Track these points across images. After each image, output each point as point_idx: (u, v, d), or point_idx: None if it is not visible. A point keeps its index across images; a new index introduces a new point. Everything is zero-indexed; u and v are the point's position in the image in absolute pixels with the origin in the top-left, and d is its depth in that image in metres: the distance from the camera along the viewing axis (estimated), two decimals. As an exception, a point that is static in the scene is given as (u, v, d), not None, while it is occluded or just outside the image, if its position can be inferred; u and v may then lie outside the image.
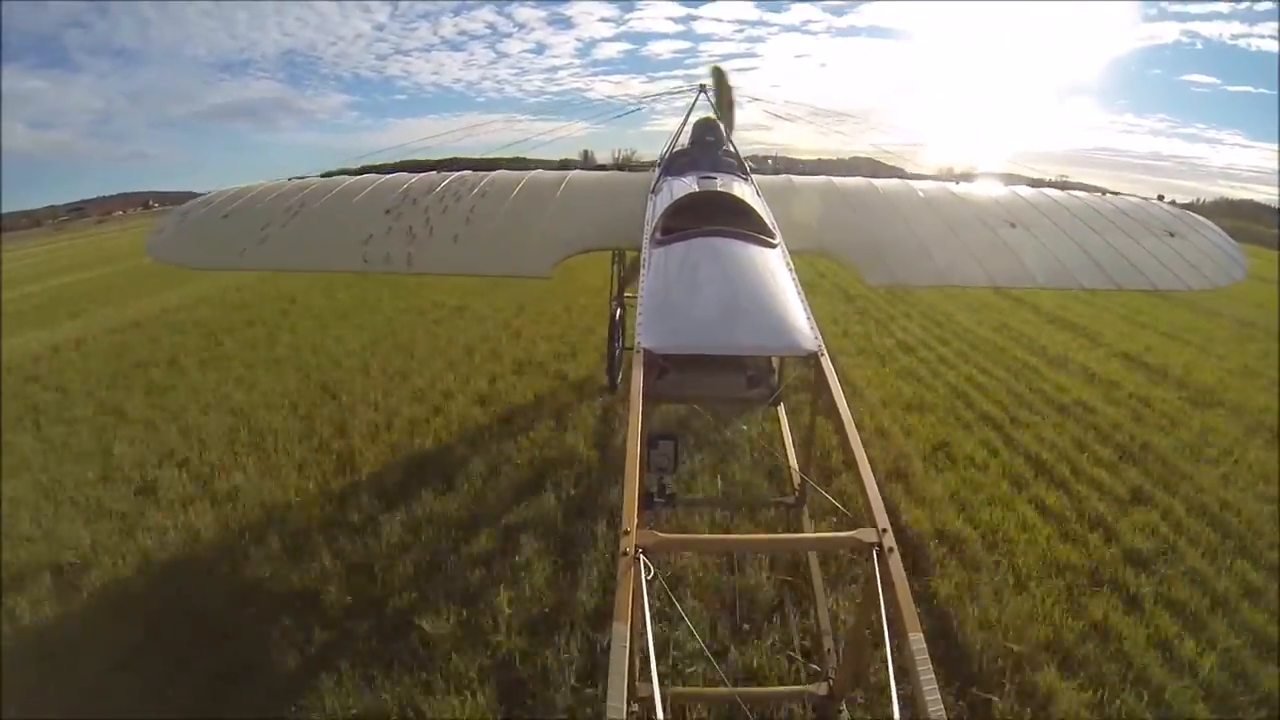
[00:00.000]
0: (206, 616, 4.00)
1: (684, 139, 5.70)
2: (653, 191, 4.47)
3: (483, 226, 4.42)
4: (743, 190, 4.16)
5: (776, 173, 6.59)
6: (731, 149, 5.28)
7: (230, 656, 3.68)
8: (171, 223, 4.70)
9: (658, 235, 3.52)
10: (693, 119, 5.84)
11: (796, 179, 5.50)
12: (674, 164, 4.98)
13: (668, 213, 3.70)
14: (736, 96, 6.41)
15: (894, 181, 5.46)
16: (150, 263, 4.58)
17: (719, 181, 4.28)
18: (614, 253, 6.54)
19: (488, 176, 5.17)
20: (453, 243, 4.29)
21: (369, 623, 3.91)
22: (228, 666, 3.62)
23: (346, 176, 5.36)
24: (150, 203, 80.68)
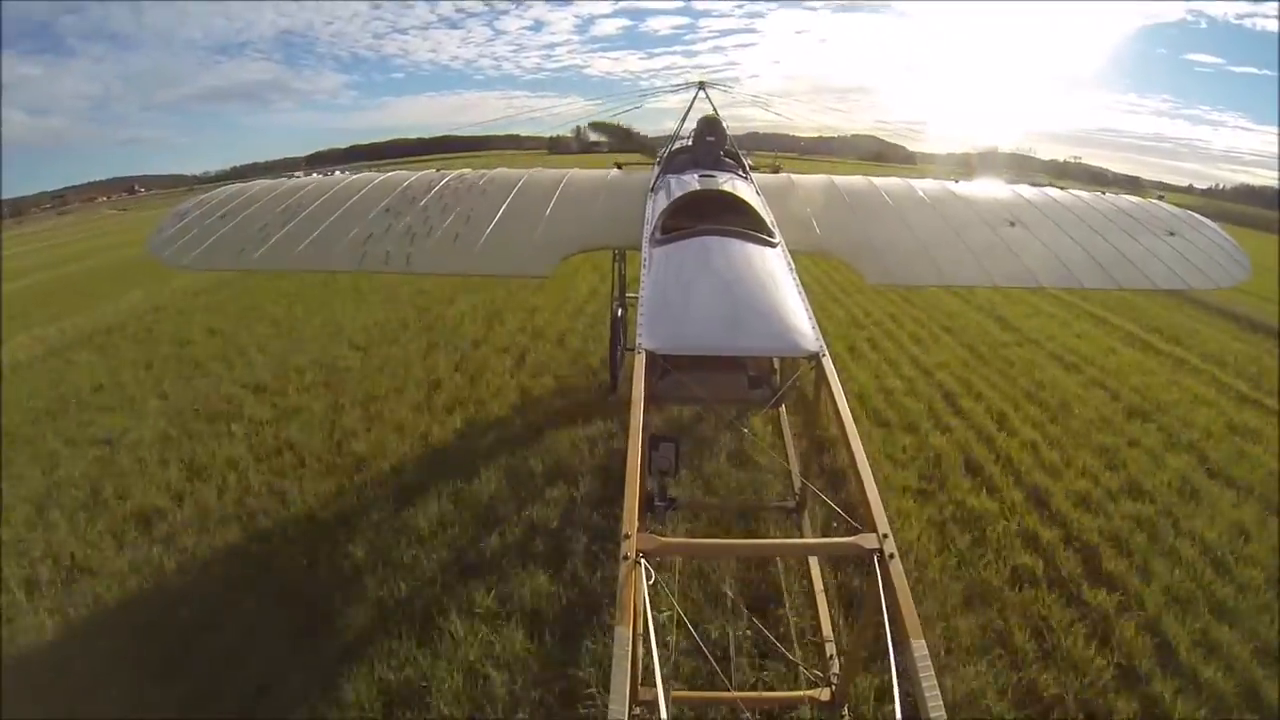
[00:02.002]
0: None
1: (683, 139, 5.68)
2: (652, 190, 4.44)
3: (483, 226, 4.39)
4: (743, 189, 4.14)
5: (776, 164, 6.58)
6: (732, 148, 5.26)
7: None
8: (170, 223, 4.68)
9: (657, 235, 3.50)
10: (692, 118, 5.81)
11: (797, 178, 5.48)
12: (674, 162, 4.96)
13: (667, 212, 3.68)
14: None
15: (894, 181, 5.44)
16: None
17: (719, 180, 4.26)
18: (614, 252, 6.51)
19: (487, 175, 5.15)
20: (453, 242, 4.26)
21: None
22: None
23: (345, 175, 5.34)
24: (135, 187, 77.06)
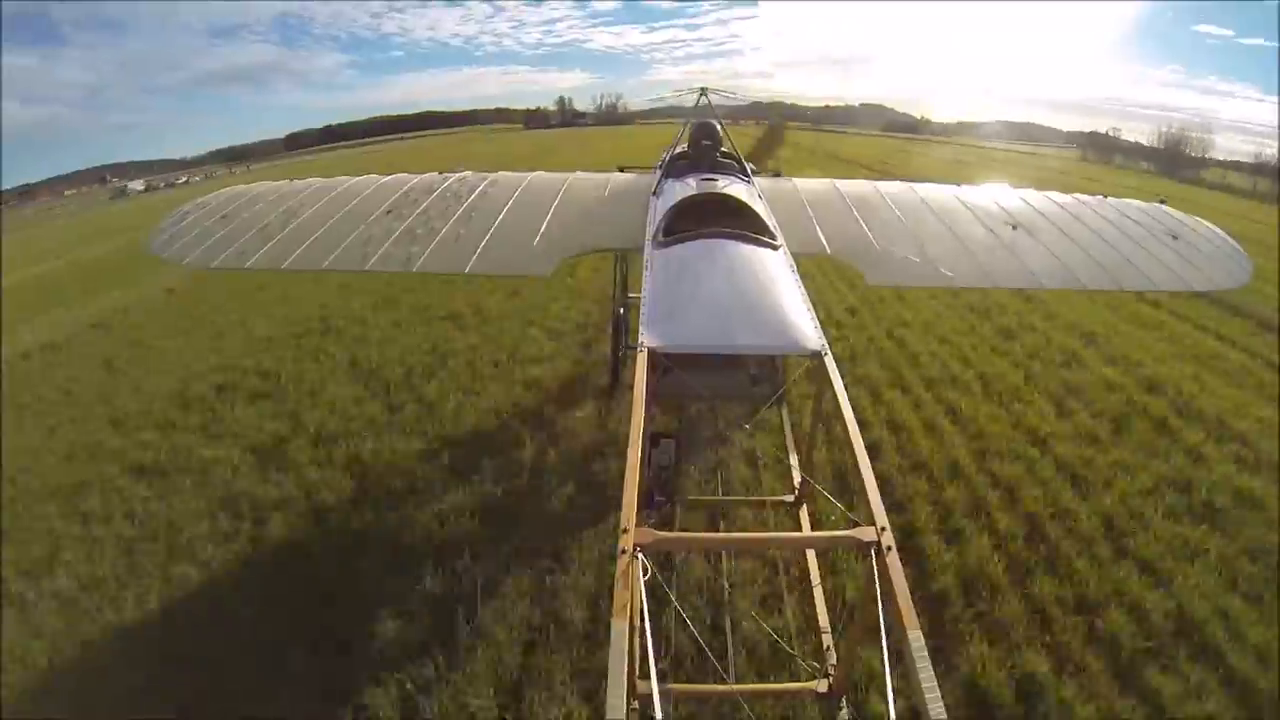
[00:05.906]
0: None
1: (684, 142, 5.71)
2: (654, 193, 4.48)
3: (484, 227, 4.42)
4: (744, 192, 4.16)
5: (777, 169, 6.66)
6: (731, 150, 5.29)
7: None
8: (171, 223, 4.73)
9: (659, 237, 3.53)
10: (695, 120, 5.83)
11: (799, 181, 5.51)
12: (674, 166, 4.99)
13: (669, 214, 3.71)
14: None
15: (897, 184, 5.47)
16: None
17: (720, 183, 4.29)
18: (616, 254, 6.53)
19: (489, 177, 5.19)
20: (454, 243, 4.29)
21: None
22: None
23: (346, 178, 5.37)
24: (107, 177, 71.40)
